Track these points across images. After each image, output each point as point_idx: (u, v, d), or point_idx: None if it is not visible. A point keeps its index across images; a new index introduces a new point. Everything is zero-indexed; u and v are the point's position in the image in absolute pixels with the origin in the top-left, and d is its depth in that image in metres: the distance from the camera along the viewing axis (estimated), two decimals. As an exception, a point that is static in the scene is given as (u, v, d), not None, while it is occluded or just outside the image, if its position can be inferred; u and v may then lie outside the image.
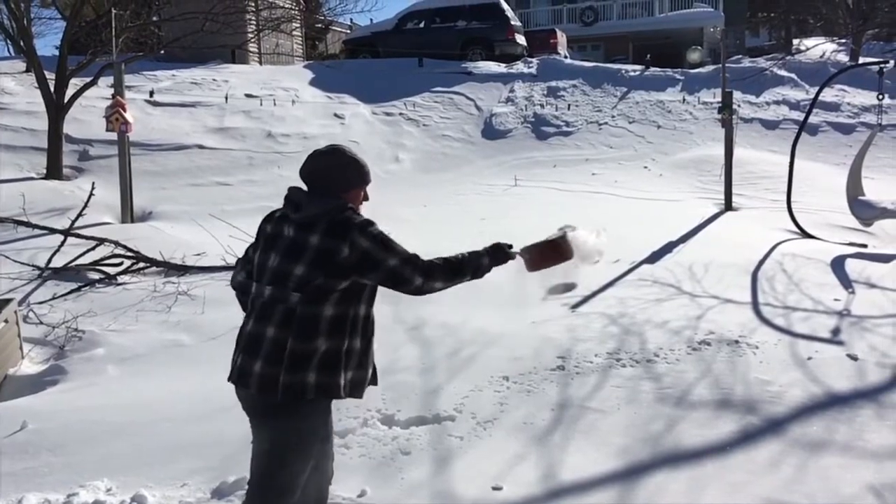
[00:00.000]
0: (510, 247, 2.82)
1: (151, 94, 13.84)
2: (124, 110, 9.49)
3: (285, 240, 2.48)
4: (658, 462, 3.65)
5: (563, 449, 3.80)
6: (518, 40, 20.46)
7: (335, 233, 2.41)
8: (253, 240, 2.70)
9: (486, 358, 5.08)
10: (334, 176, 2.56)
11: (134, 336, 5.85)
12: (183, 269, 7.24)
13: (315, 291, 2.40)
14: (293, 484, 2.52)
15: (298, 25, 19.69)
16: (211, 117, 13.67)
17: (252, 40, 16.63)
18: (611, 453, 3.72)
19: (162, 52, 15.64)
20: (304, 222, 2.45)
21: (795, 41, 30.30)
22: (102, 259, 7.31)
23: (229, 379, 2.55)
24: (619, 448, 3.77)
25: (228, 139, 13.03)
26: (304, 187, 2.58)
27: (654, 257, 7.81)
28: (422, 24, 20.72)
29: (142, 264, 7.34)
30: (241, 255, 2.79)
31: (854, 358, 4.82)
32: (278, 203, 2.59)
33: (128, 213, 9.64)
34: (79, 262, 7.22)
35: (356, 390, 2.58)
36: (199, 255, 7.49)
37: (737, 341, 5.17)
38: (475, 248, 2.77)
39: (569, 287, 6.50)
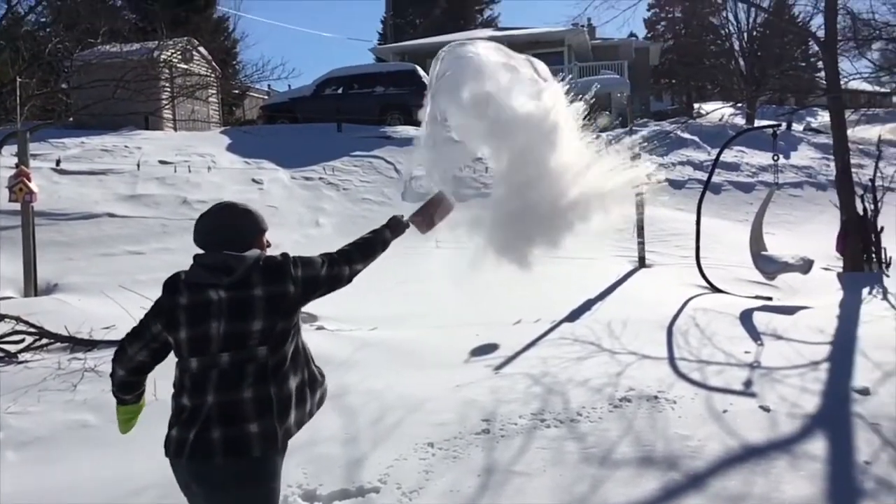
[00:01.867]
0: (403, 217, 3.11)
1: (58, 162, 13.41)
2: (29, 180, 9.14)
3: (221, 304, 2.43)
4: (585, 524, 3.64)
5: (490, 516, 3.74)
6: (435, 105, 20.90)
7: (273, 278, 2.48)
8: (150, 315, 2.56)
9: (410, 424, 5.00)
10: (238, 229, 2.56)
11: (35, 418, 5.49)
12: (90, 344, 6.91)
13: (279, 337, 2.46)
14: None
15: (214, 92, 19.61)
16: (122, 185, 13.32)
17: (166, 107, 16.43)
18: (538, 518, 3.69)
19: (70, 119, 15.24)
20: (237, 281, 2.44)
21: (696, 105, 32.12)
22: (2, 336, 6.90)
23: (188, 455, 2.38)
24: (546, 512, 3.75)
25: (141, 207, 12.69)
26: (202, 250, 2.55)
27: (573, 315, 7.95)
28: (340, 90, 20.96)
29: (45, 340, 6.96)
30: (133, 333, 2.61)
31: (766, 409, 4.97)
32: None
33: (31, 287, 9.18)
34: (-24, 340, 6.79)
35: (322, 401, 2.70)
36: (108, 328, 7.17)
37: (656, 397, 5.27)
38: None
39: None
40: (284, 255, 2.59)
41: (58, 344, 6.99)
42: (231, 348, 2.41)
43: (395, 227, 3.02)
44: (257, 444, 2.39)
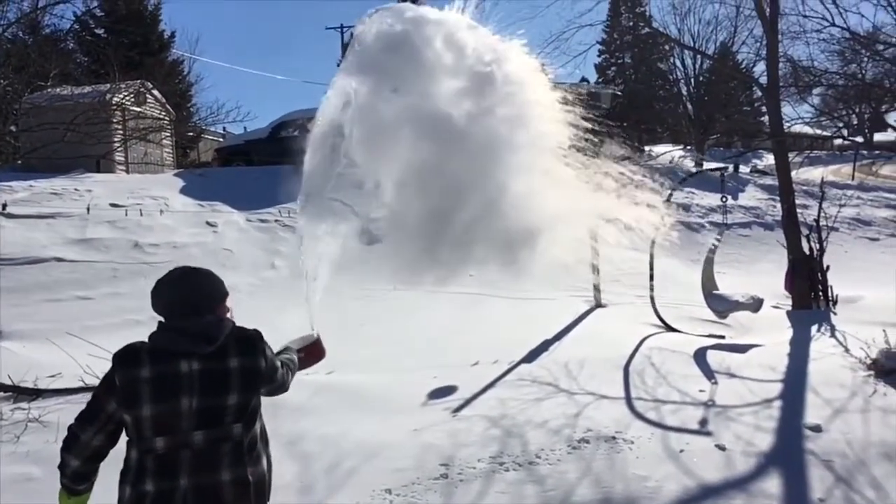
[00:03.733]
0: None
1: (4, 206, 13.09)
2: (-27, 223, 8.90)
3: (192, 376, 2.23)
4: (545, 569, 3.59)
5: (449, 564, 3.67)
6: (391, 148, 21.00)
7: (248, 350, 2.34)
8: (104, 393, 2.29)
9: (367, 470, 4.91)
10: (207, 294, 2.41)
11: (-25, 472, 5.25)
12: (34, 394, 6.66)
13: (251, 415, 2.32)
14: None
15: (168, 134, 19.43)
16: (71, 228, 13.02)
17: (118, 150, 16.20)
18: (498, 564, 3.64)
19: (19, 162, 14.93)
20: (215, 350, 2.27)
21: (647, 148, 32.91)
22: (-59, 386, 6.62)
23: None
24: (506, 558, 3.69)
25: (91, 251, 12.40)
26: (163, 317, 2.37)
27: (531, 356, 7.95)
28: (296, 133, 20.95)
29: (-13, 390, 6.70)
30: (84, 416, 2.33)
31: (722, 448, 5.02)
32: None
33: (-27, 334, 8.86)
34: (-88, 391, 6.51)
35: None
36: (53, 376, 6.94)
37: (614, 437, 5.28)
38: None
39: None
40: (256, 330, 2.46)
41: (1, 393, 6.73)
42: (205, 426, 2.22)
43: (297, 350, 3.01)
44: None
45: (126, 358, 2.26)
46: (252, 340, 2.38)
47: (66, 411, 6.12)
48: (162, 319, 2.37)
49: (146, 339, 2.32)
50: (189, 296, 2.36)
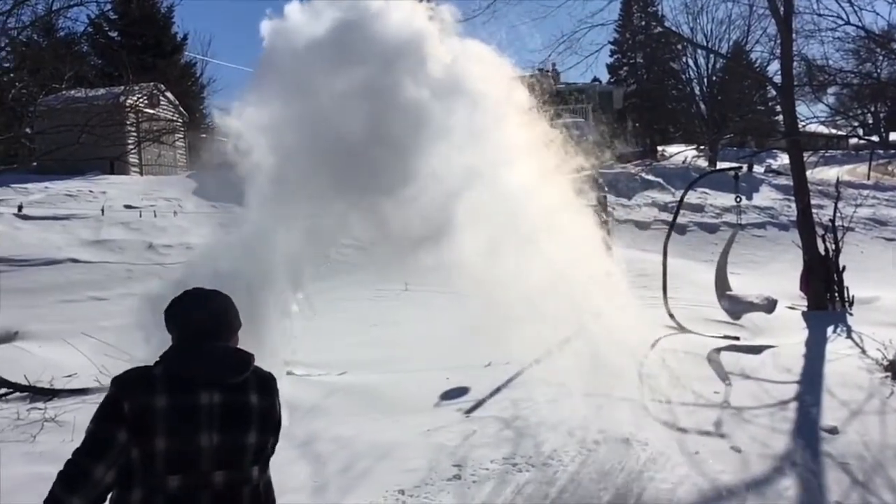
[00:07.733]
0: None
1: (20, 208, 13.20)
2: (-11, 225, 8.98)
3: (213, 409, 2.00)
4: (559, 571, 3.57)
5: (463, 565, 3.66)
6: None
7: (268, 389, 2.14)
8: (111, 421, 1.96)
9: (380, 471, 4.91)
10: (230, 319, 2.19)
11: (-8, 471, 5.28)
12: (51, 394, 6.71)
13: (267, 459, 2.13)
14: None
15: (181, 136, 19.54)
16: (86, 230, 13.13)
17: (132, 151, 16.30)
18: (511, 566, 3.62)
19: (34, 164, 15.05)
20: (240, 383, 2.07)
21: (660, 148, 32.79)
22: (-42, 386, 6.68)
23: None
24: (520, 560, 3.68)
25: (105, 252, 12.50)
26: (182, 339, 2.12)
27: (543, 357, 7.92)
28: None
29: (4, 390, 6.76)
30: (91, 449, 1.95)
31: (738, 450, 4.99)
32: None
33: (-10, 335, 8.94)
34: (-70, 391, 6.56)
35: None
36: (69, 376, 6.98)
37: (627, 439, 5.25)
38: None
39: None
40: (270, 372, 2.24)
41: (17, 393, 6.79)
42: (226, 466, 2.00)
43: None
44: None
45: (136, 384, 2.00)
46: (271, 381, 2.18)
47: (82, 411, 6.16)
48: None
49: (156, 362, 2.07)
50: (214, 318, 2.14)
